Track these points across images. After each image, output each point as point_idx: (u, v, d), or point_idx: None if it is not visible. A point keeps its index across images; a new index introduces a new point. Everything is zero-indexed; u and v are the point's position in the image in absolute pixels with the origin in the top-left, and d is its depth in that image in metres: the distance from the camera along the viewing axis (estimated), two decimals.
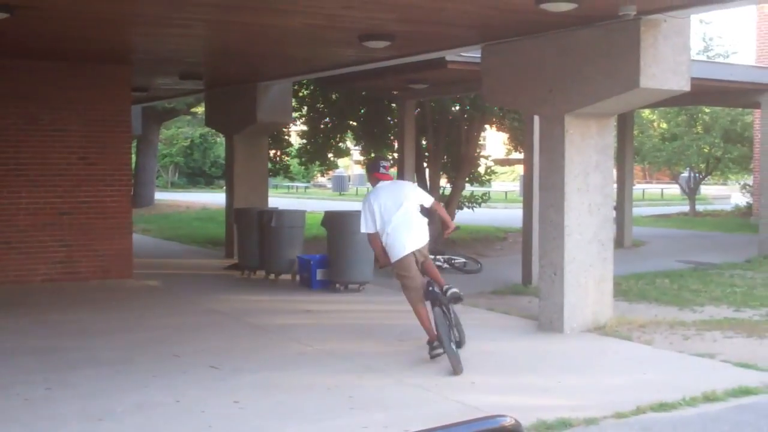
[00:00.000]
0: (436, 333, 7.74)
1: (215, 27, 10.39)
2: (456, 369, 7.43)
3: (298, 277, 12.76)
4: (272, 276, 13.14)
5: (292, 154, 22.69)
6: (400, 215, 8.06)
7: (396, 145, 18.89)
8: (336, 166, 24.89)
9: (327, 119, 20.46)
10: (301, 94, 19.73)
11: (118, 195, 13.14)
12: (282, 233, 12.92)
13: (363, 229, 8.24)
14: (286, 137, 21.63)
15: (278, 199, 25.67)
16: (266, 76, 14.75)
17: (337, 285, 12.08)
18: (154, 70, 14.40)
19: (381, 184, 8.38)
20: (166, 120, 33.77)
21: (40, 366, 7.68)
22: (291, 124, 19.66)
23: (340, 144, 21.47)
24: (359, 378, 7.38)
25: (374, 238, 8.22)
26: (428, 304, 7.95)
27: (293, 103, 17.36)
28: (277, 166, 21.44)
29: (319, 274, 12.30)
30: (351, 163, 45.66)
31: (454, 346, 7.66)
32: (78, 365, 7.70)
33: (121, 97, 13.36)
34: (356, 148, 23.90)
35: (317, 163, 22.08)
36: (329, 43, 11.18)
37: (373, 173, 8.56)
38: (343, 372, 7.59)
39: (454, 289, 7.93)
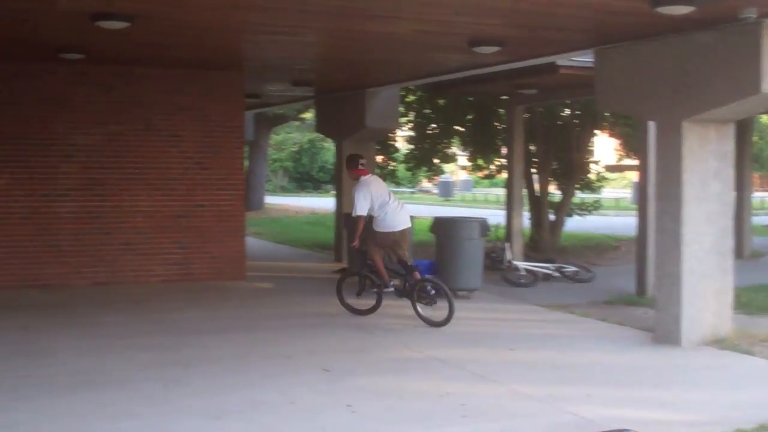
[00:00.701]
0: (388, 279, 10.27)
1: (325, 34, 10.51)
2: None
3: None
4: None
5: (399, 159, 22.77)
6: (394, 201, 10.17)
7: (504, 150, 18.75)
8: (442, 172, 24.82)
9: (434, 125, 20.46)
10: (408, 100, 19.78)
11: (231, 199, 13.44)
12: None
13: (359, 212, 9.89)
14: (393, 143, 21.72)
15: None
16: (375, 83, 14.84)
17: None
18: (266, 76, 14.67)
19: (365, 177, 10.19)
20: (276, 125, 34.41)
21: (157, 363, 7.91)
22: (398, 130, 19.74)
23: (447, 149, 21.42)
24: (470, 386, 7.33)
25: (362, 221, 9.96)
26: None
27: (400, 109, 17.42)
28: (384, 171, 21.54)
29: None
30: (457, 169, 45.49)
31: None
32: (193, 363, 7.89)
33: (234, 103, 13.67)
34: (463, 153, 23.80)
35: (424, 168, 22.09)
36: (438, 49, 11.16)
37: (353, 170, 10.32)
38: (454, 379, 7.55)
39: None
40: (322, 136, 40.14)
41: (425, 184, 49.38)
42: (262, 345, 8.80)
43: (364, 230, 10.14)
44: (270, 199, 36.27)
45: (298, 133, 47.00)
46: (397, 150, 22.26)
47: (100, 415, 6.28)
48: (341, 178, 16.32)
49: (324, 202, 38.52)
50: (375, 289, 10.46)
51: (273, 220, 28.20)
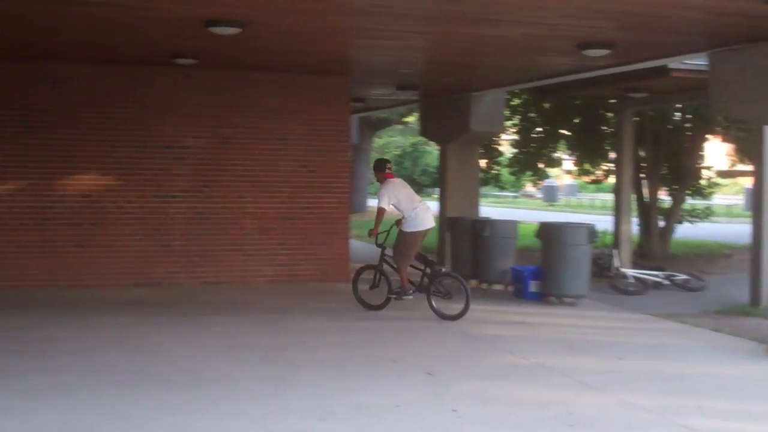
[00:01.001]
0: (409, 284, 10.71)
1: (432, 38, 10.51)
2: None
3: (510, 288, 12.68)
4: (484, 286, 13.13)
5: (503, 163, 22.61)
6: (421, 203, 10.76)
7: (612, 155, 18.40)
8: (547, 176, 24.54)
9: (539, 128, 20.23)
10: (513, 103, 19.62)
11: (337, 202, 13.59)
12: (495, 243, 12.89)
13: (383, 205, 10.61)
14: (498, 146, 21.57)
15: (488, 209, 25.61)
16: (480, 86, 14.76)
17: (551, 297, 11.90)
18: (372, 81, 14.77)
19: (391, 180, 10.83)
20: (379, 129, 34.62)
21: (264, 363, 8.03)
22: (502, 134, 19.60)
23: (553, 153, 21.16)
24: (577, 394, 7.21)
25: (383, 213, 10.67)
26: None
27: (505, 112, 17.29)
28: (488, 175, 21.41)
29: (533, 286, 12.17)
30: (561, 173, 44.90)
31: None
32: (299, 363, 7.99)
33: (341, 107, 13.82)
34: (569, 158, 23.49)
35: (528, 172, 21.87)
36: (546, 52, 11.03)
37: (381, 173, 10.94)
38: (560, 387, 7.43)
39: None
40: (424, 139, 40.18)
41: (529, 188, 48.89)
42: (367, 347, 8.86)
43: (397, 234, 10.91)
44: (372, 202, 36.50)
45: (400, 137, 47.16)
46: (501, 154, 22.10)
47: (207, 413, 6.41)
48: (445, 181, 16.30)
49: None
50: (393, 296, 10.88)
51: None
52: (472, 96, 15.17)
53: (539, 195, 48.60)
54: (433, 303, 10.62)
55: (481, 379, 7.64)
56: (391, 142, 48.11)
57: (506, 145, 23.44)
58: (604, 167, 20.11)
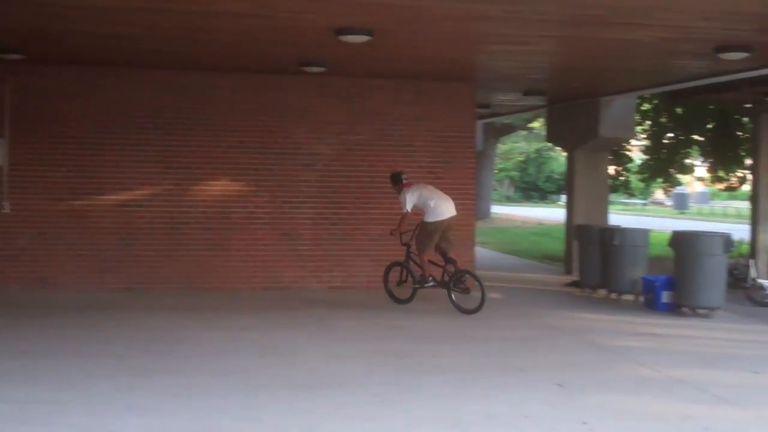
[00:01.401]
0: (430, 275, 11.41)
1: (562, 43, 10.37)
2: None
3: (641, 298, 12.35)
4: (614, 295, 12.85)
5: (633, 169, 22.09)
6: (440, 194, 11.47)
7: (748, 161, 17.72)
8: (678, 183, 23.85)
9: (671, 134, 19.68)
10: (643, 108, 19.16)
11: (462, 208, 13.47)
12: (625, 252, 12.59)
13: (406, 209, 11.29)
14: (627, 152, 21.09)
15: (616, 216, 25.11)
16: (609, 91, 14.49)
17: (684, 308, 11.53)
18: (497, 86, 14.68)
19: (408, 188, 11.49)
20: (503, 135, 34.40)
21: (392, 369, 8.06)
22: (632, 139, 19.15)
23: (685, 160, 20.53)
24: (712, 409, 6.95)
25: (406, 217, 11.35)
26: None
27: (635, 118, 16.89)
28: (617, 182, 20.96)
29: (665, 297, 11.82)
30: (693, 180, 43.60)
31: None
32: (428, 371, 7.98)
33: (466, 113, 13.79)
34: (701, 164, 22.76)
35: (659, 179, 21.31)
36: (680, 56, 10.73)
37: (399, 184, 11.67)
38: (694, 401, 7.18)
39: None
40: (549, 145, 39.70)
41: (658, 195, 47.63)
42: (494, 356, 8.78)
43: (415, 229, 11.56)
44: (496, 209, 36.31)
45: (524, 143, 46.77)
46: (631, 160, 21.60)
47: (335, 416, 6.48)
48: (573, 188, 16.05)
49: (551, 213, 38.09)
50: (416, 285, 11.64)
51: (499, 230, 28.19)
52: (601, 101, 14.91)
53: (669, 202, 47.27)
54: (453, 297, 11.30)
55: (612, 392, 7.46)
56: (515, 148, 47.78)
57: (636, 150, 22.92)
58: (739, 174, 19.39)
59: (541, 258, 19.39)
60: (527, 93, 14.88)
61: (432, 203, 11.34)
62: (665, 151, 19.84)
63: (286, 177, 13.14)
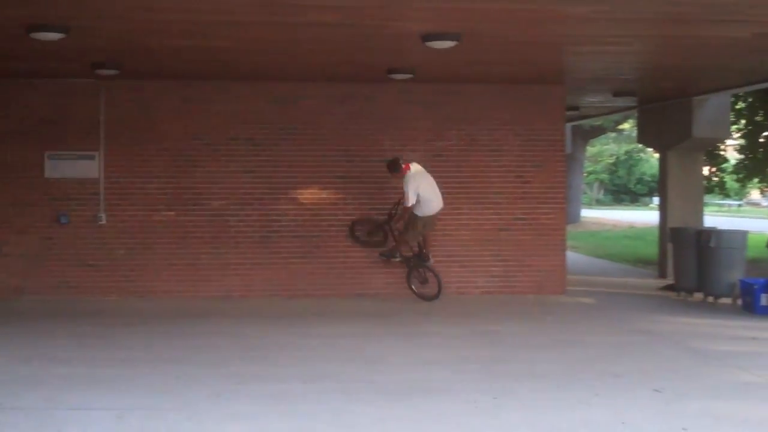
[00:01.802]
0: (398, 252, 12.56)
1: (653, 42, 10.17)
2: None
3: (739, 302, 12.01)
4: (710, 299, 12.53)
5: (727, 170, 21.51)
6: (433, 187, 12.07)
7: None
8: None
9: (767, 132, 19.10)
10: (737, 107, 18.64)
11: (552, 212, 13.42)
12: (721, 254, 12.27)
13: (411, 202, 11.83)
14: (722, 152, 20.55)
15: (710, 218, 24.50)
16: (702, 90, 14.15)
17: None
18: (587, 88, 14.49)
19: (410, 172, 11.95)
20: (592, 137, 33.92)
21: (483, 375, 8.00)
22: (727, 139, 18.65)
23: None
24: None
25: (410, 210, 11.95)
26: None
27: (729, 117, 16.44)
28: (711, 182, 20.45)
29: (764, 300, 11.48)
30: None
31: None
32: (522, 377, 7.90)
33: (555, 116, 13.63)
34: None
35: (755, 179, 20.70)
36: None
37: (400, 171, 12.02)
38: None
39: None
40: (639, 147, 38.93)
41: (754, 196, 46.27)
42: (588, 362, 8.64)
43: (409, 218, 12.18)
44: (586, 213, 35.80)
45: (614, 145, 46.02)
46: (726, 160, 21.03)
47: (429, 424, 6.45)
48: (666, 190, 15.72)
49: (642, 216, 37.33)
50: (383, 255, 12.68)
51: (590, 233, 27.77)
52: (694, 100, 14.58)
53: (766, 203, 45.85)
54: (413, 287, 12.57)
55: (711, 397, 7.26)
56: (605, 150, 47.04)
57: (731, 150, 22.31)
58: None
59: (634, 262, 19.03)
60: (617, 94, 14.64)
61: (425, 196, 11.95)
62: (762, 150, 19.26)
63: (374, 184, 13.19)
